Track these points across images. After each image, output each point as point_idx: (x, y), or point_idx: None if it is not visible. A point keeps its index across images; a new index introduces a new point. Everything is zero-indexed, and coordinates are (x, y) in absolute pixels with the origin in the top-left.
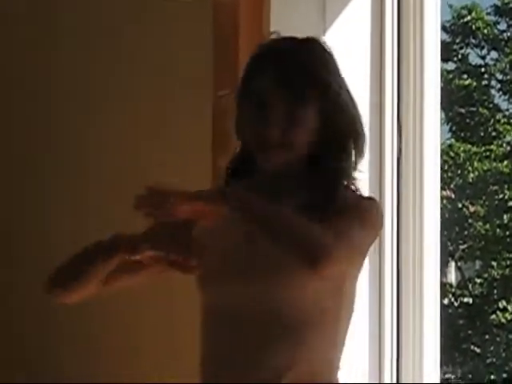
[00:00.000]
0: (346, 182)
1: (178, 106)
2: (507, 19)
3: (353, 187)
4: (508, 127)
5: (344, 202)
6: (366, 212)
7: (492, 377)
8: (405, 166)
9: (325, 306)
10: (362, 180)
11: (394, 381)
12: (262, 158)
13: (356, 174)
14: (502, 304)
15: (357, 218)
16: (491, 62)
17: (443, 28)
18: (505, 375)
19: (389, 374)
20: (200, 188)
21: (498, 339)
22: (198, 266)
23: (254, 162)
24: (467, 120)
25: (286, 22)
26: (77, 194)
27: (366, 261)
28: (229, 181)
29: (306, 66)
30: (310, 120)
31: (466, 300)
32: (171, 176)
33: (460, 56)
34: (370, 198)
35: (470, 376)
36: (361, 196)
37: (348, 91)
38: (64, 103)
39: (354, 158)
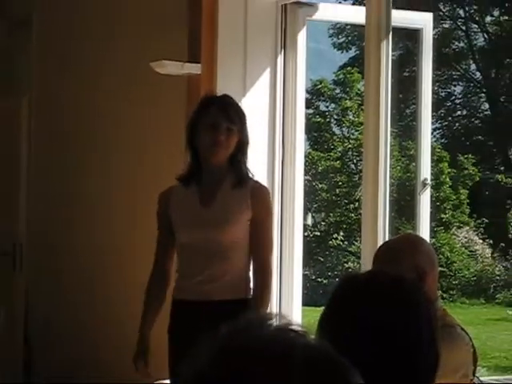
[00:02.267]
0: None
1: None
2: (340, 87)
3: (251, 176)
4: (339, 143)
5: (256, 194)
6: (268, 208)
7: (329, 274)
8: (286, 164)
9: (243, 243)
10: (262, 171)
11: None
12: (213, 155)
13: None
14: (334, 236)
15: (267, 218)
16: (331, 109)
17: (306, 91)
18: (335, 273)
19: (275, 267)
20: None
21: (332, 254)
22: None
23: (200, 164)
24: (318, 139)
25: (225, 89)
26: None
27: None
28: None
29: (234, 107)
30: (236, 135)
31: (316, 233)
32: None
33: (315, 106)
34: (265, 189)
35: (318, 273)
36: (258, 184)
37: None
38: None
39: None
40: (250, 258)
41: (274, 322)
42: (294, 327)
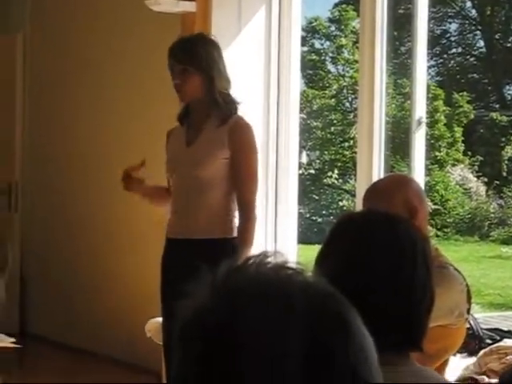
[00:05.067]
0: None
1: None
2: (335, 25)
3: (236, 109)
4: (334, 81)
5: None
6: (247, 145)
7: (324, 212)
8: (281, 102)
9: (222, 181)
10: (258, 109)
11: (274, 209)
12: (179, 98)
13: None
14: (329, 174)
15: (246, 155)
16: (326, 47)
17: (302, 29)
18: (330, 211)
19: (272, 205)
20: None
21: (327, 192)
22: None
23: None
24: (313, 77)
25: (220, 28)
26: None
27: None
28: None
29: (186, 47)
30: (196, 74)
31: (311, 171)
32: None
33: (310, 43)
34: (244, 126)
35: (313, 211)
36: (238, 121)
37: (218, 61)
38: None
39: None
40: (234, 196)
41: (272, 259)
42: (291, 265)
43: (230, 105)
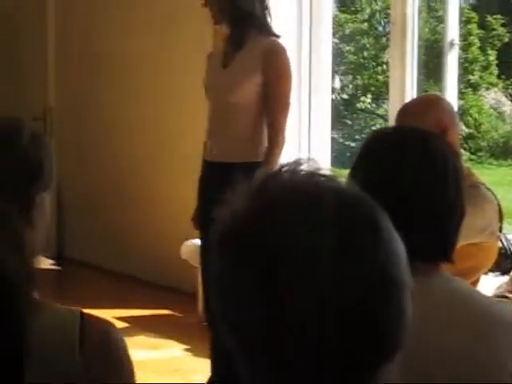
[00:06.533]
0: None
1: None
2: None
3: (269, 30)
4: (366, 5)
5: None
6: (280, 69)
7: (357, 137)
8: (314, 26)
9: (254, 105)
10: (292, 34)
11: (307, 134)
12: None
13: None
14: (362, 99)
15: (279, 79)
16: None
17: None
18: (363, 136)
19: (306, 131)
20: None
21: (360, 116)
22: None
23: None
24: (345, 1)
25: None
26: None
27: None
28: None
29: None
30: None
31: (344, 96)
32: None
33: None
34: (277, 50)
35: (346, 136)
36: (271, 44)
37: None
38: None
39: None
40: (264, 121)
41: (305, 167)
42: (324, 172)
43: (261, 26)
